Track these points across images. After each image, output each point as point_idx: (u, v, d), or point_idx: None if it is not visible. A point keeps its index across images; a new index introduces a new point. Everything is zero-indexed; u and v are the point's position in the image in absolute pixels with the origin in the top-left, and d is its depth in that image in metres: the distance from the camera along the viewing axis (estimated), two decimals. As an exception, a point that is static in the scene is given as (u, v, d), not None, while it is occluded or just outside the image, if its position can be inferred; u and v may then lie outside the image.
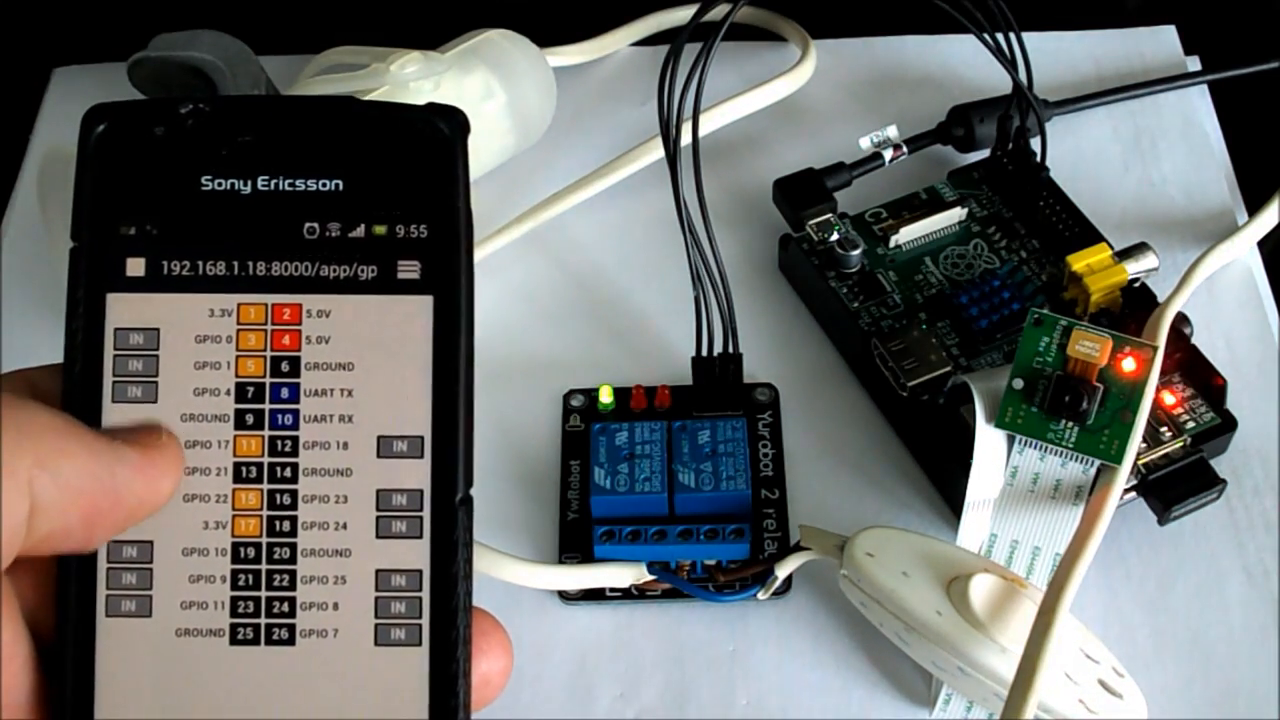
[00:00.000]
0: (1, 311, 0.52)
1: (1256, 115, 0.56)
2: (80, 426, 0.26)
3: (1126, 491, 0.42)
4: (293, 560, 0.27)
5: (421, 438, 0.27)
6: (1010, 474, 0.39)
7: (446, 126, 0.28)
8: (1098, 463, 0.38)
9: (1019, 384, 0.39)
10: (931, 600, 0.37)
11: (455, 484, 0.27)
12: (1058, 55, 0.57)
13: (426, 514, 0.27)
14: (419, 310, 0.28)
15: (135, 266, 0.28)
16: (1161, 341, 0.41)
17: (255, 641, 0.27)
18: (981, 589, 0.37)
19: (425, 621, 0.27)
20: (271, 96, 0.32)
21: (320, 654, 0.27)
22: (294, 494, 0.27)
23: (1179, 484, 0.42)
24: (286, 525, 0.27)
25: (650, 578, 0.42)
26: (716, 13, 0.46)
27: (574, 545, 0.45)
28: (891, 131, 0.52)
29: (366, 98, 0.49)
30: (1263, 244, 0.51)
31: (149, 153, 0.28)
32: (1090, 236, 0.48)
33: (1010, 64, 0.49)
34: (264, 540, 0.27)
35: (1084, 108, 0.55)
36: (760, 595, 0.42)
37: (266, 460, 0.27)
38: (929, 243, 0.50)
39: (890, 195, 0.51)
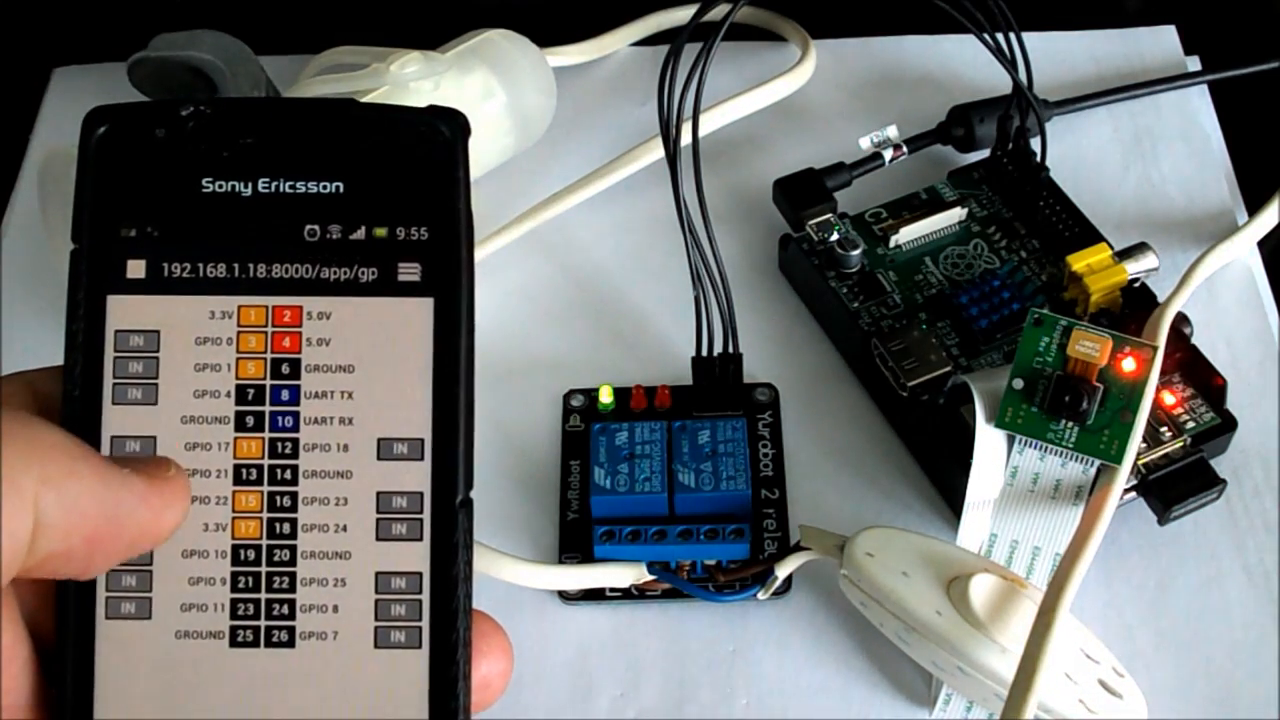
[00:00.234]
0: (1, 312, 0.52)
1: (1256, 115, 0.56)
2: (88, 449, 0.25)
3: (1126, 491, 0.42)
4: (293, 562, 0.27)
5: (422, 440, 0.27)
6: (1010, 474, 0.39)
7: (447, 129, 0.28)
8: (1098, 463, 0.38)
9: (1019, 384, 0.39)
10: (931, 600, 0.37)
11: (455, 486, 0.27)
12: (1058, 55, 0.57)
13: (426, 516, 0.27)
14: (419, 312, 0.28)
15: (136, 268, 0.28)
16: (1161, 341, 0.41)
17: (255, 644, 0.27)
18: (981, 589, 0.37)
19: (425, 624, 0.27)
20: (272, 99, 0.32)
21: (320, 656, 0.27)
22: (294, 496, 0.27)
23: (1179, 484, 0.42)
24: (286, 527, 0.27)
25: (650, 578, 0.42)
26: (716, 13, 0.46)
27: (574, 545, 0.45)
28: (891, 131, 0.52)
29: (366, 98, 0.49)
30: (1263, 244, 0.51)
31: (150, 155, 0.28)
32: (1090, 236, 0.48)
33: (1010, 64, 0.49)
34: (264, 542, 0.27)
35: (1084, 108, 0.55)
36: (760, 595, 0.42)
37: (267, 462, 0.27)
38: (929, 243, 0.50)
39: (890, 195, 0.51)
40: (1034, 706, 0.34)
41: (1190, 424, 0.44)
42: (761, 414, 0.47)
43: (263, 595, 0.27)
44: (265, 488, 0.27)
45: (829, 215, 0.49)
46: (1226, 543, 0.44)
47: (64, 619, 0.27)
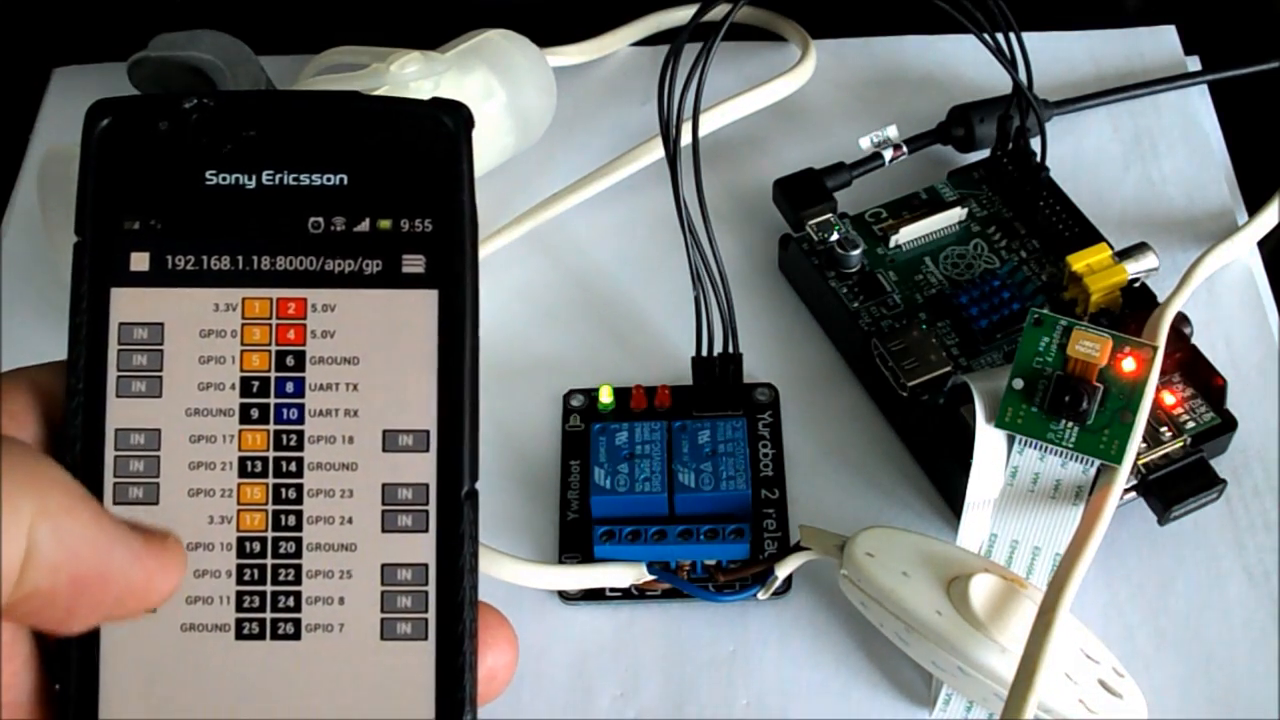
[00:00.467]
0: (1, 311, 0.52)
1: (1256, 115, 0.56)
2: (90, 496, 0.25)
3: (1126, 491, 0.42)
4: (298, 555, 0.27)
5: (427, 432, 0.27)
6: (1010, 474, 0.39)
7: (451, 121, 0.28)
8: (1098, 463, 0.38)
9: (1019, 384, 0.39)
10: (931, 600, 0.37)
11: (461, 478, 0.27)
12: (1058, 55, 0.57)
13: (432, 508, 0.27)
14: (424, 304, 0.28)
15: (139, 261, 0.27)
16: (1161, 341, 0.41)
17: (261, 636, 0.27)
18: (981, 589, 0.37)
19: (431, 616, 0.27)
20: (276, 91, 0.32)
21: (326, 649, 0.27)
22: (299, 488, 0.27)
23: (1179, 484, 0.42)
24: (292, 520, 0.27)
25: (650, 578, 0.42)
26: (716, 13, 0.46)
27: (574, 545, 0.45)
28: (891, 131, 0.52)
29: (367, 97, 0.49)
30: (1263, 244, 0.51)
31: (153, 147, 0.28)
32: (1090, 236, 0.48)
33: (1010, 64, 0.49)
34: (269, 535, 0.27)
35: (1084, 108, 0.55)
36: (760, 595, 0.42)
37: (271, 455, 0.27)
38: (929, 243, 0.50)
39: (890, 195, 0.51)
40: (1034, 706, 0.34)
41: (1190, 424, 0.44)
42: (761, 414, 0.47)
43: (268, 588, 0.27)
44: (270, 480, 0.27)
45: (829, 215, 0.49)
46: (1226, 543, 0.44)
47: None
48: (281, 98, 0.30)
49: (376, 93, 0.50)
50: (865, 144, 0.51)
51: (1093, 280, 0.45)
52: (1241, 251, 0.50)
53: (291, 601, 0.27)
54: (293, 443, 0.27)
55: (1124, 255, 0.46)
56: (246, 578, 0.27)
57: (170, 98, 0.28)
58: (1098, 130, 0.55)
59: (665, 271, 0.50)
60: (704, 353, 0.46)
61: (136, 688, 0.27)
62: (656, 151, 0.51)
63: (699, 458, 0.43)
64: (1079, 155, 0.54)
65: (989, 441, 0.39)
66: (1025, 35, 0.48)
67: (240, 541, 0.27)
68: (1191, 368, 0.44)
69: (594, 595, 0.44)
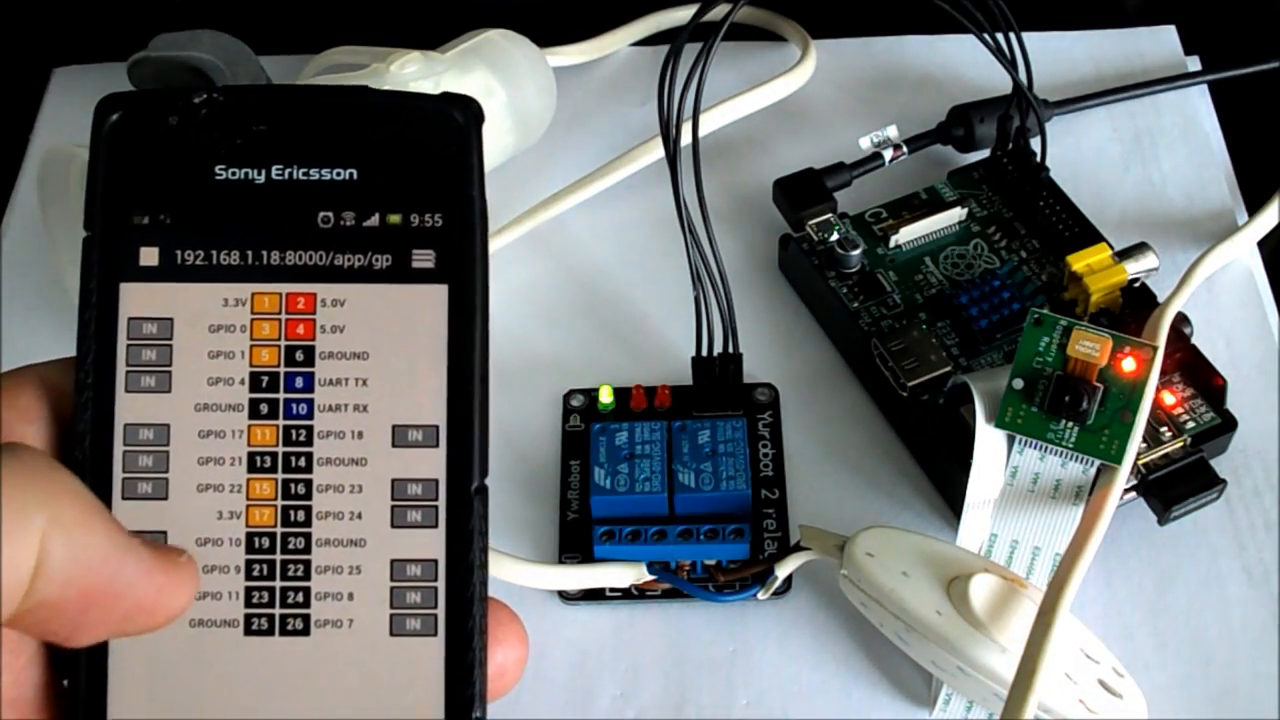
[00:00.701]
0: (1, 311, 0.52)
1: (1256, 115, 0.56)
2: (103, 508, 0.25)
3: (1126, 491, 0.42)
4: (307, 550, 0.27)
5: (436, 427, 0.27)
6: (1010, 474, 0.39)
7: (461, 116, 0.28)
8: (1098, 463, 0.38)
9: (1019, 384, 0.39)
10: (931, 600, 0.37)
11: (471, 473, 0.27)
12: (1058, 55, 0.57)
13: (442, 503, 0.27)
14: (434, 299, 0.28)
15: (149, 256, 0.27)
16: (1161, 341, 0.41)
17: (270, 632, 0.27)
18: (981, 589, 0.37)
19: (441, 611, 0.27)
20: (285, 86, 0.32)
21: (335, 644, 0.27)
22: (308, 483, 0.27)
23: (1179, 484, 0.42)
24: (301, 515, 0.27)
25: (650, 578, 0.42)
26: (716, 13, 0.46)
27: (574, 545, 0.45)
28: (891, 131, 0.52)
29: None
30: (1263, 244, 0.51)
31: (162, 142, 0.28)
32: (1090, 236, 0.48)
33: (1010, 64, 0.49)
34: (278, 530, 0.27)
35: (1084, 108, 0.55)
36: (760, 595, 0.42)
37: (281, 450, 0.27)
38: (929, 243, 0.50)
39: (890, 195, 0.51)
40: (1034, 706, 0.34)
41: (1190, 424, 0.44)
42: (761, 414, 0.47)
43: (277, 583, 0.27)
44: (279, 475, 0.27)
45: (829, 215, 0.49)
46: (1226, 543, 0.44)
47: None
48: (291, 92, 0.30)
49: (379, 91, 0.50)
50: (865, 144, 0.51)
51: (1093, 280, 0.45)
52: (1241, 251, 0.50)
53: (300, 597, 0.27)
54: (302, 438, 0.27)
55: (1124, 255, 0.46)
56: (255, 573, 0.27)
57: (180, 92, 0.28)
58: (1098, 130, 0.55)
59: (665, 271, 0.50)
60: (704, 353, 0.46)
61: (145, 684, 0.27)
62: (656, 151, 0.51)
63: (699, 458, 0.43)
64: (1079, 155, 0.54)
65: (989, 441, 0.39)
66: (1025, 35, 0.48)
67: (249, 537, 0.27)
68: (1191, 368, 0.45)
69: (594, 595, 0.44)
